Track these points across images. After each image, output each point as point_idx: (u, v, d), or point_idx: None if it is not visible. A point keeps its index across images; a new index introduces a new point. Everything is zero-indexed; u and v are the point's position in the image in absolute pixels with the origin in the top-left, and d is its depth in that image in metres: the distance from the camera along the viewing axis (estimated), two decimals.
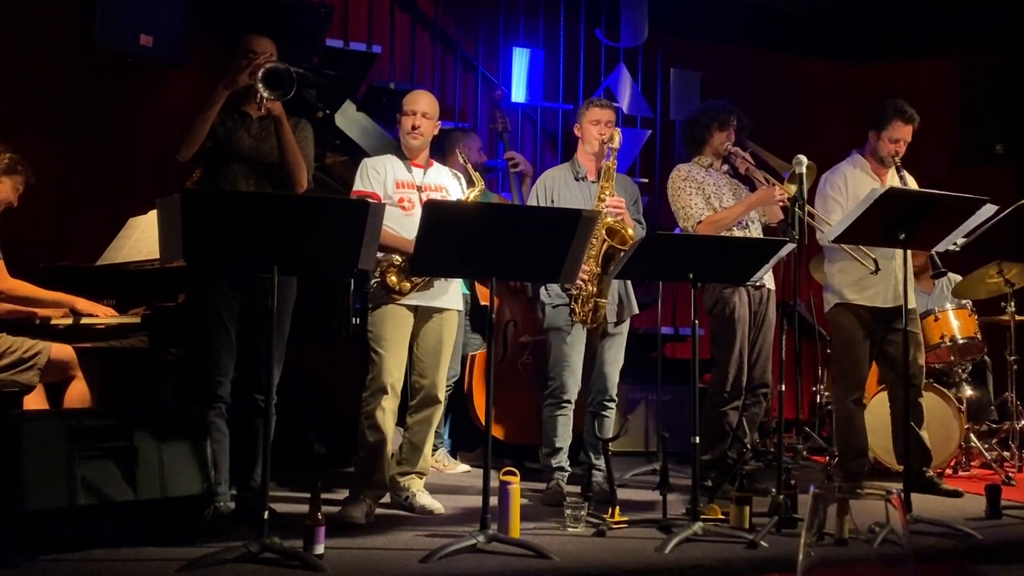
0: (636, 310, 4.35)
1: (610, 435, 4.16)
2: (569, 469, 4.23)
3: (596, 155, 4.25)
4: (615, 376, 4.24)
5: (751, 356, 4.31)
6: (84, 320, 3.76)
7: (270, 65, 3.33)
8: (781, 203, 4.17)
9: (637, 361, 5.85)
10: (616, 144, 4.14)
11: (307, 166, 3.54)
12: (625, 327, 4.29)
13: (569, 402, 4.18)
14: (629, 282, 4.28)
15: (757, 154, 4.40)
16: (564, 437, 4.18)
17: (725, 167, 4.48)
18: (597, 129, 4.22)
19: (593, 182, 4.23)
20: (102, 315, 3.74)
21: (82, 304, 3.72)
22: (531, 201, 4.33)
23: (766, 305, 4.34)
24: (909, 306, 4.42)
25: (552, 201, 4.22)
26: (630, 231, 4.04)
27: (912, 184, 4.46)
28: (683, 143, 4.57)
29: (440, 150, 4.74)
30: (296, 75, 3.32)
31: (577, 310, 4.09)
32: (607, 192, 4.09)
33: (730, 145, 4.38)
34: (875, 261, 4.18)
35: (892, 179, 4.48)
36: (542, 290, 4.28)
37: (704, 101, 4.60)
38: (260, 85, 3.29)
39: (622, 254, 3.81)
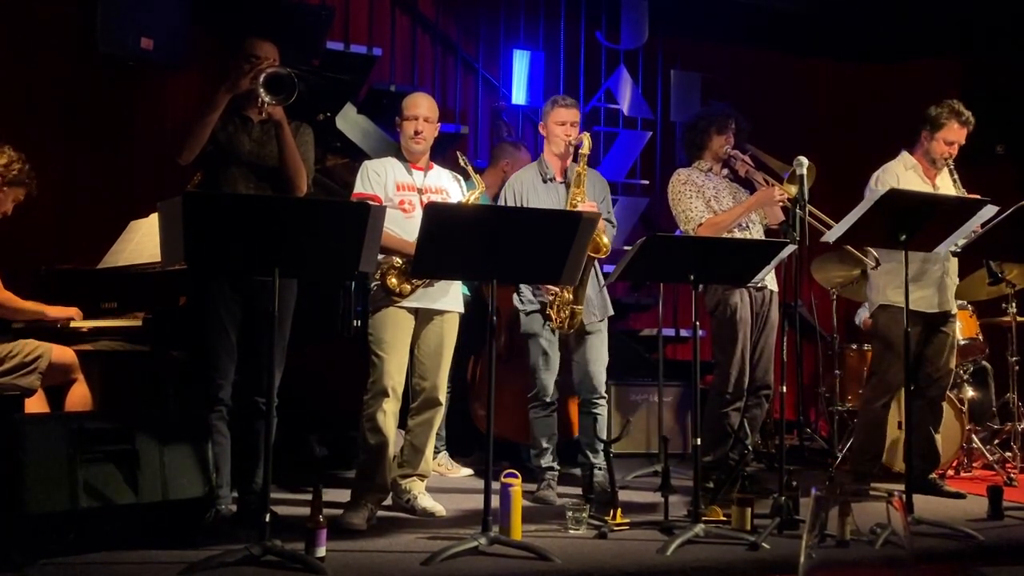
0: (611, 311, 4.32)
1: (605, 432, 4.18)
2: (558, 468, 4.27)
3: (561, 155, 4.23)
4: (602, 374, 4.23)
5: (753, 357, 4.31)
6: (77, 324, 3.80)
7: (272, 70, 3.33)
8: (781, 203, 4.18)
9: (638, 362, 5.86)
10: (586, 149, 4.11)
11: (307, 170, 3.54)
12: (604, 325, 4.27)
13: (552, 403, 4.23)
14: (603, 285, 4.25)
15: (756, 156, 4.40)
16: (550, 437, 4.24)
17: (725, 171, 4.49)
18: (563, 130, 4.19)
19: (561, 183, 4.22)
20: (76, 316, 3.80)
21: (52, 313, 3.77)
22: (501, 203, 4.28)
23: (768, 306, 4.34)
24: (952, 311, 4.43)
25: (522, 204, 4.18)
26: (605, 240, 4.01)
27: (962, 189, 4.40)
28: (682, 147, 4.58)
29: (447, 152, 4.75)
30: (296, 76, 3.32)
31: (553, 316, 4.08)
32: (579, 198, 4.07)
33: (729, 149, 4.38)
34: (876, 259, 4.17)
35: (943, 181, 4.43)
36: (514, 297, 4.28)
37: (704, 104, 4.60)
38: (262, 89, 3.29)
39: (622, 258, 3.81)
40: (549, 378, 4.20)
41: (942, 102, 4.41)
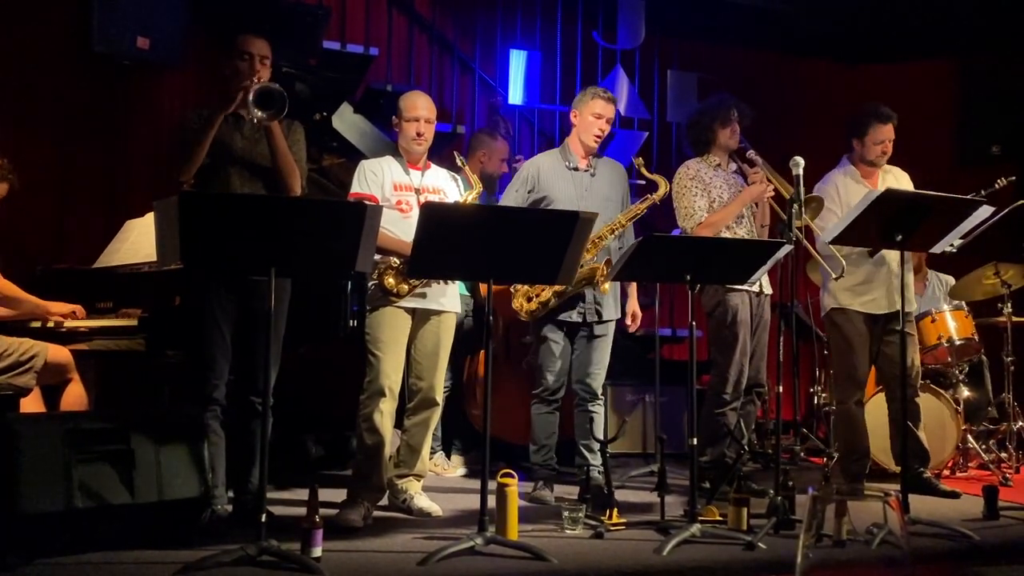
0: (618, 314, 4.34)
1: (601, 432, 4.18)
2: (556, 467, 4.27)
3: (589, 148, 4.22)
4: (602, 376, 4.24)
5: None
6: (72, 324, 3.79)
7: (260, 86, 3.32)
8: (770, 197, 4.25)
9: (635, 363, 5.86)
10: (658, 197, 4.15)
11: (300, 171, 3.53)
12: (611, 327, 4.27)
13: (557, 400, 4.23)
14: (618, 286, 4.26)
15: (769, 175, 4.37)
16: (550, 435, 4.24)
17: (733, 166, 4.49)
18: (598, 123, 4.17)
19: (585, 171, 4.22)
20: (79, 313, 3.81)
21: (54, 309, 3.76)
22: (514, 183, 4.27)
23: (762, 307, 4.36)
24: (907, 308, 4.44)
25: (538, 189, 4.17)
26: (607, 285, 4.01)
27: (906, 179, 4.53)
28: (689, 145, 4.54)
29: (445, 150, 4.75)
30: (286, 91, 3.32)
31: (516, 300, 4.08)
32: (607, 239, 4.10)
33: (738, 140, 4.40)
34: (843, 268, 4.20)
35: (882, 182, 4.50)
36: None
37: (702, 100, 4.59)
38: (253, 106, 3.28)
39: (618, 258, 3.81)
40: (555, 377, 4.18)
41: (860, 107, 4.55)
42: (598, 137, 4.19)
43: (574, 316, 4.13)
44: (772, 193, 4.23)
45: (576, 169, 4.22)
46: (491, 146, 5.06)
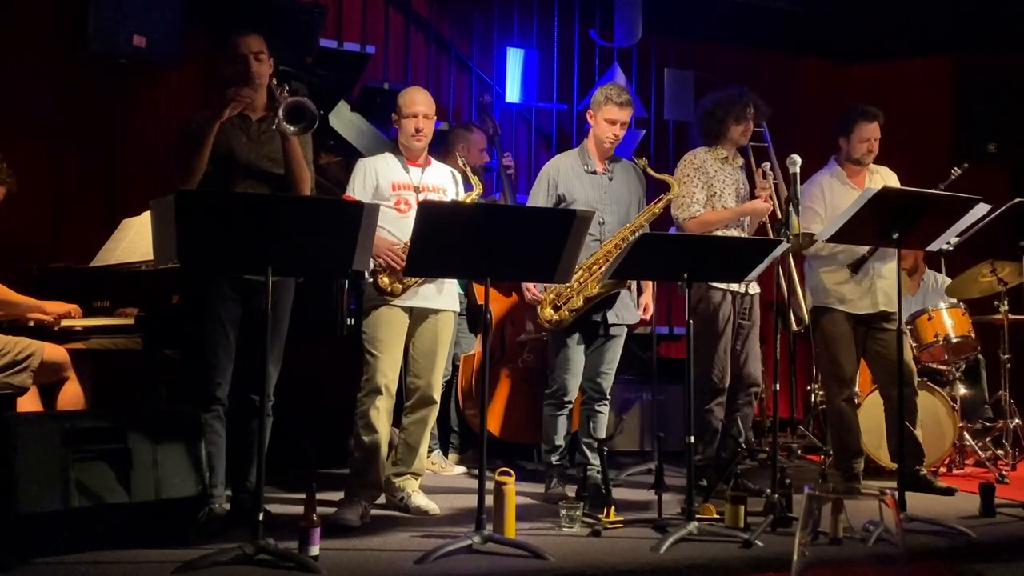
0: (633, 316, 4.34)
1: (603, 432, 4.19)
2: (569, 466, 4.29)
3: (604, 152, 4.22)
4: (611, 376, 4.26)
5: (739, 356, 4.33)
6: (68, 323, 3.78)
7: (293, 100, 3.29)
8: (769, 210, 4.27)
9: (632, 360, 5.86)
10: (672, 196, 4.17)
11: (310, 174, 3.53)
12: (625, 329, 4.28)
13: (570, 403, 4.23)
14: (633, 287, 4.26)
15: (777, 187, 4.35)
16: (563, 435, 4.25)
17: (740, 160, 4.48)
18: (612, 129, 4.15)
19: (603, 174, 4.23)
20: (75, 313, 3.80)
21: (51, 308, 3.76)
22: (537, 188, 4.28)
23: (750, 306, 4.36)
24: (891, 310, 4.45)
25: (558, 191, 4.17)
26: (637, 290, 4.10)
27: (893, 178, 4.56)
28: (700, 134, 4.50)
29: (443, 147, 4.73)
30: (318, 108, 3.31)
31: (545, 309, 4.09)
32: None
33: (749, 137, 4.42)
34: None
35: (868, 181, 4.52)
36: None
37: (720, 90, 4.53)
38: (283, 120, 3.27)
39: (615, 256, 3.81)
40: (571, 378, 4.18)
41: (847, 107, 4.60)
42: (612, 142, 4.19)
43: (596, 316, 4.14)
44: (771, 208, 4.23)
45: (595, 172, 4.22)
46: (468, 139, 5.08)
